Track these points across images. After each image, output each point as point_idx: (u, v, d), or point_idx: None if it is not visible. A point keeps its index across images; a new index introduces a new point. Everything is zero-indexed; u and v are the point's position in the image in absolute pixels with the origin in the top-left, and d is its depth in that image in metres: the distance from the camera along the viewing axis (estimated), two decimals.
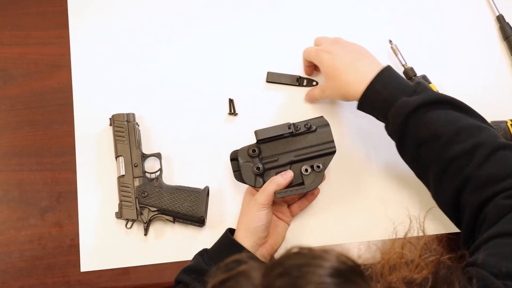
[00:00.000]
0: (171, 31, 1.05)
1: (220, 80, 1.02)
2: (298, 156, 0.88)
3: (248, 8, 1.06)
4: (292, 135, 0.89)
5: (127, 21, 1.06)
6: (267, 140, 0.89)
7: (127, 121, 0.96)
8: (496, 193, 0.73)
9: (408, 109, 0.81)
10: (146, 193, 0.92)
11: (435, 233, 0.92)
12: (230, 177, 0.92)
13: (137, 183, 0.93)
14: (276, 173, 0.88)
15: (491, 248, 0.69)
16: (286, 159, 0.88)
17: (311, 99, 1.00)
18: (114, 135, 0.96)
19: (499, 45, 1.04)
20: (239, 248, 0.84)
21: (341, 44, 0.91)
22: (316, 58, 0.92)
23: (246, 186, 0.92)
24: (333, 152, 0.88)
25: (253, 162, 0.89)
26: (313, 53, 0.93)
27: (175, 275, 0.87)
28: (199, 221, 0.92)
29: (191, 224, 0.93)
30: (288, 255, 0.56)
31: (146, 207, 0.92)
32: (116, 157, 0.95)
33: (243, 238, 0.85)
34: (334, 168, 0.96)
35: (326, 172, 0.90)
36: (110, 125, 0.97)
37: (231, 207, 0.95)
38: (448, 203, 0.79)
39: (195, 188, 0.93)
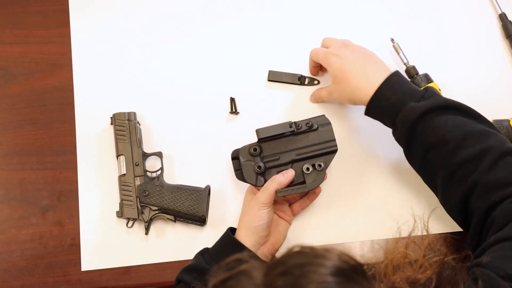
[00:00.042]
0: (172, 29, 1.05)
1: (221, 79, 1.02)
2: (300, 155, 0.88)
3: (249, 7, 1.06)
4: (293, 133, 0.89)
5: (128, 20, 1.05)
6: (269, 139, 0.89)
7: (128, 120, 0.96)
8: (504, 197, 0.74)
9: (416, 114, 0.81)
10: (147, 192, 0.92)
11: (439, 232, 0.91)
12: (231, 176, 0.91)
13: (138, 182, 0.93)
14: (278, 172, 0.88)
15: (497, 251, 0.69)
16: (288, 158, 0.88)
17: (316, 99, 0.99)
18: (115, 134, 0.95)
19: (501, 43, 1.04)
20: (240, 247, 0.84)
21: (351, 47, 0.91)
22: (325, 61, 0.92)
23: (247, 185, 0.92)
24: (335, 151, 0.88)
25: (254, 161, 0.88)
26: (321, 55, 0.93)
27: (176, 275, 0.86)
28: (200, 220, 0.92)
29: (192, 223, 0.93)
30: (290, 254, 0.56)
31: (147, 206, 0.92)
32: (117, 156, 0.95)
33: (244, 237, 0.85)
34: (335, 167, 0.96)
35: (328, 171, 0.90)
36: (111, 124, 0.97)
37: (232, 206, 0.95)
38: (456, 207, 0.80)
39: (196, 187, 0.93)
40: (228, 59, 1.03)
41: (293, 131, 0.88)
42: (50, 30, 1.05)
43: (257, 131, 0.88)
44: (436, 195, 0.85)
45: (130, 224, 0.93)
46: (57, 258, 0.94)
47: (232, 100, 1.00)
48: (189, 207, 0.91)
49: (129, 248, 0.93)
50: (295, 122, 0.89)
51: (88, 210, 0.95)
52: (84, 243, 0.94)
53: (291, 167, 0.88)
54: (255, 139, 0.89)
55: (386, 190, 0.96)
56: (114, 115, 0.96)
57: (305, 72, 1.02)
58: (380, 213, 0.94)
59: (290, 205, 0.94)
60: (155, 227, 0.94)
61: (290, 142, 0.89)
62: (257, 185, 0.88)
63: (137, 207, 0.92)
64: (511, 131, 0.93)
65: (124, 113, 0.96)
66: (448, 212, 0.84)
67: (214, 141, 0.98)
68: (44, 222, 0.95)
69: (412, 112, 0.82)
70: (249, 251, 0.83)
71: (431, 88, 0.85)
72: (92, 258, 0.93)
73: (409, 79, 0.97)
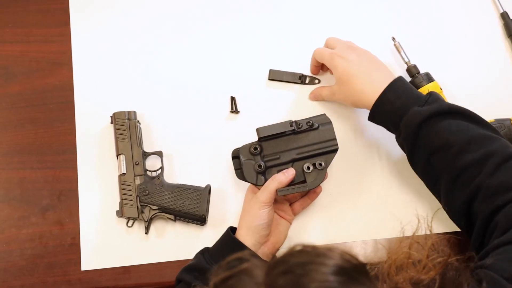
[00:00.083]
0: (172, 28, 1.05)
1: (221, 78, 1.02)
2: (300, 154, 0.88)
3: (250, 6, 1.06)
4: (294, 132, 0.88)
5: (128, 18, 1.05)
6: (269, 138, 0.88)
7: (128, 119, 0.95)
8: (507, 201, 0.74)
9: (420, 119, 0.81)
10: (147, 192, 0.92)
11: (443, 231, 0.90)
12: (232, 175, 0.91)
13: (138, 181, 0.93)
14: (278, 171, 0.87)
15: (501, 254, 0.69)
16: (288, 157, 0.88)
17: (316, 98, 0.99)
18: (115, 133, 0.95)
19: (503, 42, 1.04)
20: (241, 246, 0.83)
21: (356, 50, 0.91)
22: (330, 62, 0.92)
23: (247, 184, 0.91)
24: (336, 150, 0.88)
25: (255, 160, 0.88)
26: (327, 56, 0.92)
27: (176, 274, 0.86)
28: (201, 219, 0.92)
29: (192, 222, 0.93)
30: (292, 253, 0.56)
31: (147, 206, 0.92)
32: (117, 155, 0.95)
33: (245, 237, 0.85)
34: (336, 166, 0.95)
35: (328, 170, 0.89)
36: (111, 123, 0.97)
37: (233, 206, 0.95)
38: (459, 212, 0.80)
39: (197, 187, 0.93)
40: (229, 58, 1.03)
41: (293, 130, 0.88)
42: (50, 29, 1.04)
43: (258, 130, 0.88)
44: (439, 201, 0.85)
45: (130, 223, 0.93)
46: (57, 258, 0.94)
47: (233, 99, 1.00)
48: (190, 206, 0.91)
49: (129, 248, 0.93)
50: (295, 121, 0.88)
51: (88, 210, 0.95)
52: (84, 243, 0.94)
53: (292, 166, 0.88)
54: (255, 138, 0.89)
55: (387, 190, 0.95)
56: (114, 114, 0.96)
57: (306, 71, 1.01)
58: (381, 212, 0.94)
59: (290, 204, 0.93)
60: (155, 226, 0.94)
61: (290, 141, 0.88)
62: (257, 184, 0.88)
63: (137, 207, 0.92)
64: None
65: (124, 112, 0.96)
66: (451, 217, 0.84)
67: (215, 140, 0.98)
68: (44, 221, 0.95)
69: (416, 116, 0.82)
70: (250, 250, 0.83)
71: (435, 93, 0.86)
72: (92, 258, 0.93)
73: (410, 78, 0.97)
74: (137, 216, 0.92)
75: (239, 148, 0.89)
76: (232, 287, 0.55)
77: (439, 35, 1.04)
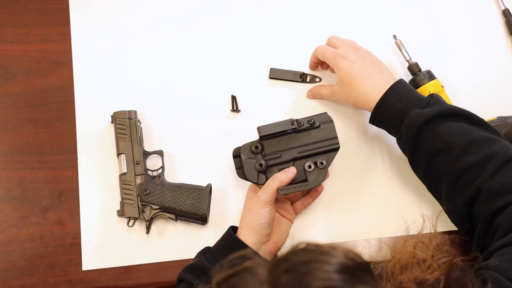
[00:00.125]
0: (173, 27, 1.04)
1: (222, 76, 1.01)
2: (301, 153, 0.87)
3: (250, 4, 1.05)
4: (295, 131, 0.88)
5: (129, 18, 1.05)
6: (270, 137, 0.88)
7: (129, 118, 0.95)
8: (508, 203, 0.74)
9: (421, 121, 0.81)
10: (148, 191, 0.92)
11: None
12: (233, 174, 0.91)
13: (139, 180, 0.93)
14: (279, 170, 0.87)
15: (504, 255, 0.69)
16: (289, 156, 0.88)
17: (314, 96, 0.99)
18: (116, 133, 0.95)
19: (504, 39, 1.03)
20: (242, 246, 0.83)
21: (360, 51, 0.91)
22: (333, 62, 0.92)
23: (248, 183, 0.91)
24: (337, 149, 0.88)
25: (256, 159, 0.88)
26: (330, 55, 0.92)
27: (177, 274, 0.86)
28: (202, 219, 0.91)
29: (193, 222, 0.93)
30: (295, 251, 0.56)
31: (148, 205, 0.92)
32: (118, 154, 0.94)
33: (246, 236, 0.85)
34: (337, 165, 0.95)
35: (330, 169, 0.89)
36: (112, 122, 0.96)
37: (234, 205, 0.94)
38: (460, 214, 0.79)
39: (198, 186, 0.93)
40: (229, 57, 1.03)
41: (294, 128, 0.88)
42: (50, 28, 1.04)
43: (259, 128, 0.88)
44: (440, 203, 0.85)
45: (131, 223, 0.93)
46: (58, 258, 0.93)
47: (233, 98, 1.00)
48: (190, 205, 0.91)
49: (130, 248, 0.93)
50: (296, 120, 0.88)
51: (89, 209, 0.95)
52: (85, 243, 0.93)
53: (293, 165, 0.87)
54: (256, 137, 0.89)
55: (390, 189, 0.95)
56: (114, 113, 0.96)
57: (307, 69, 1.01)
58: (384, 211, 0.94)
59: (292, 203, 0.93)
60: (156, 226, 0.94)
61: (291, 139, 0.88)
62: (258, 183, 0.88)
63: (138, 206, 0.92)
64: None
65: (125, 111, 0.95)
66: (452, 220, 0.84)
67: (215, 139, 0.98)
68: (44, 221, 0.95)
69: (417, 118, 0.82)
70: (251, 249, 0.83)
71: (436, 95, 0.86)
72: (93, 258, 0.93)
73: (411, 76, 0.97)
74: (138, 216, 0.91)
75: (240, 147, 0.89)
76: (235, 285, 0.54)
77: (440, 33, 1.04)
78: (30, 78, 1.01)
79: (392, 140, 0.90)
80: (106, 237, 0.94)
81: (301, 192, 0.92)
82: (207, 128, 0.98)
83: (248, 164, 0.88)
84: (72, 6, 1.05)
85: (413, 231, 0.69)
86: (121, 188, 0.93)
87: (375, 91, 0.86)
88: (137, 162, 0.93)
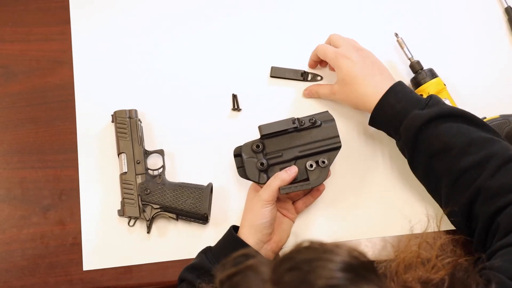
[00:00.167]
0: (173, 26, 1.04)
1: (223, 75, 1.01)
2: (303, 152, 0.87)
3: (251, 3, 1.05)
4: (296, 130, 0.88)
5: (129, 16, 1.05)
6: (271, 136, 0.88)
7: (129, 117, 0.95)
8: (508, 203, 0.74)
9: (421, 122, 0.81)
10: (148, 190, 0.91)
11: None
12: (234, 173, 0.91)
13: (139, 180, 0.92)
14: (281, 169, 0.87)
15: (506, 255, 0.69)
16: (291, 155, 0.87)
17: (311, 95, 0.98)
18: (116, 132, 0.95)
19: (507, 37, 1.03)
20: (243, 245, 0.83)
21: (361, 51, 0.90)
22: (334, 61, 0.91)
23: (250, 182, 0.91)
24: (339, 147, 0.87)
25: (257, 158, 0.87)
26: (331, 54, 0.92)
27: (178, 274, 0.86)
28: (203, 218, 0.91)
29: (194, 221, 0.92)
30: (299, 249, 0.55)
31: (148, 205, 0.91)
32: (118, 154, 0.94)
33: (247, 235, 0.84)
34: (339, 164, 0.94)
35: (331, 167, 0.89)
36: (112, 121, 0.96)
37: (235, 204, 0.94)
38: (460, 214, 0.79)
39: (198, 185, 0.92)
40: (230, 56, 1.02)
41: (296, 127, 0.87)
42: (50, 27, 1.04)
43: (260, 127, 0.88)
44: (440, 204, 0.84)
45: (131, 222, 0.93)
46: (59, 258, 0.93)
47: (234, 96, 0.99)
48: (191, 205, 0.90)
49: (131, 247, 0.93)
50: (298, 119, 0.88)
51: (89, 209, 0.95)
52: (86, 243, 0.93)
53: (294, 164, 0.87)
54: (257, 136, 0.88)
55: (391, 188, 0.94)
56: (115, 112, 0.95)
57: (308, 68, 1.01)
58: (387, 211, 0.93)
59: (293, 202, 0.93)
60: (157, 225, 0.93)
61: (293, 138, 0.88)
62: (260, 183, 0.87)
63: (139, 206, 0.91)
64: None
65: (125, 110, 0.95)
66: (452, 221, 0.83)
67: (216, 138, 0.97)
68: (45, 221, 0.94)
69: (416, 119, 0.82)
70: (253, 249, 0.82)
71: (435, 96, 0.86)
72: (94, 258, 0.93)
73: (413, 74, 0.96)
74: (138, 215, 0.91)
75: (241, 146, 0.89)
76: (238, 284, 0.54)
77: (442, 31, 1.03)
78: (30, 77, 1.01)
79: (392, 139, 0.89)
80: (107, 237, 0.93)
81: (303, 191, 0.91)
82: (208, 127, 0.98)
83: (249, 163, 0.87)
84: (72, 5, 1.05)
85: (417, 230, 0.68)
86: (122, 188, 0.92)
87: (375, 92, 0.86)
88: (138, 162, 0.93)
